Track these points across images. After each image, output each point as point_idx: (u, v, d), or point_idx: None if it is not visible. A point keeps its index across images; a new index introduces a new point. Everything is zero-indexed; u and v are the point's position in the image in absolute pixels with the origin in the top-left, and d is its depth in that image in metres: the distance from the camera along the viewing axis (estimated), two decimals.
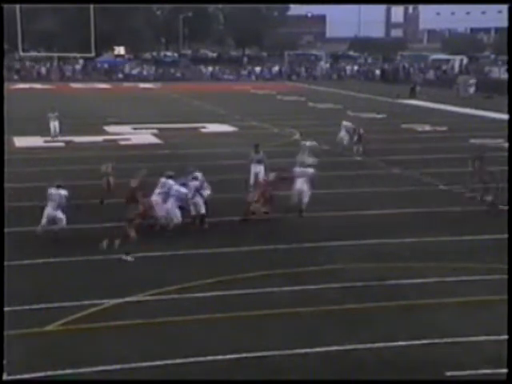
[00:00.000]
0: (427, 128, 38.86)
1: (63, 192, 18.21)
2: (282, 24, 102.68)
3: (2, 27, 16.82)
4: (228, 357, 12.12)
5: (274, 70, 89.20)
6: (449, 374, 11.54)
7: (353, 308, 14.29)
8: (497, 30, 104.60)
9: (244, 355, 12.20)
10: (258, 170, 23.63)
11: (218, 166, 28.11)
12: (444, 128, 38.40)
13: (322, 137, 33.47)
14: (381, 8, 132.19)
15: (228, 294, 14.88)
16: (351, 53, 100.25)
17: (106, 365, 11.72)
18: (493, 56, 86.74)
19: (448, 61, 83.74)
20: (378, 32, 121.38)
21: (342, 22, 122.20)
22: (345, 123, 32.24)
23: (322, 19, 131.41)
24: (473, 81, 62.33)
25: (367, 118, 43.73)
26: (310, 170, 21.53)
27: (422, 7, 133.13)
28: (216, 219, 20.42)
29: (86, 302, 14.09)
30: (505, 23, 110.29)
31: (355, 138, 31.04)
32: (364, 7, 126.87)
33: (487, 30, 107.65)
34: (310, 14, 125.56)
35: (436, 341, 12.74)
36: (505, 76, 65.86)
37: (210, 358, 12.09)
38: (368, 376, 11.61)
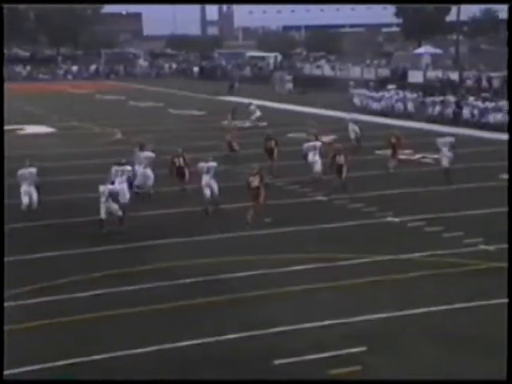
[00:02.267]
0: (248, 124, 39.75)
1: (33, 170, 20.96)
2: (98, 22, 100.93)
3: (2, 27, 15.74)
4: (58, 364, 11.96)
5: (91, 69, 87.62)
6: (277, 362, 12.03)
7: (183, 305, 14.50)
8: (307, 27, 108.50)
9: (72, 361, 12.09)
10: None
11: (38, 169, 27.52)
12: (264, 123, 39.45)
13: (146, 135, 33.41)
14: (196, 6, 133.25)
15: (56, 300, 14.64)
16: (169, 50, 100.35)
17: None
18: (305, 53, 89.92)
19: (263, 58, 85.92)
20: (194, 30, 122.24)
21: (158, 19, 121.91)
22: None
23: (138, 17, 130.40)
24: (289, 77, 64.41)
25: (188, 116, 44.13)
26: (214, 164, 21.94)
27: (236, 5, 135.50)
28: (43, 222, 20.06)
29: None
30: (313, 22, 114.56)
31: None
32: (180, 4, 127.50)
33: (298, 28, 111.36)
34: (125, 12, 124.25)
35: (264, 331, 13.21)
36: (317, 72, 68.53)
37: (37, 366, 11.88)
38: (200, 371, 11.86)
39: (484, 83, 47.32)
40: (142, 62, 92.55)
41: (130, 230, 19.63)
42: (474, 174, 26.56)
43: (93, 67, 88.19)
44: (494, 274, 15.94)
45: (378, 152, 30.40)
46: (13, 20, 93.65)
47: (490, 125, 37.77)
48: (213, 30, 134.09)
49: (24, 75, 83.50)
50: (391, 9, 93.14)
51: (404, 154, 29.68)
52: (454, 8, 72.41)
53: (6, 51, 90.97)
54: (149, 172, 23.34)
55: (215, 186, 21.68)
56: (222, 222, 20.59)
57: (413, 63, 61.47)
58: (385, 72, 60.26)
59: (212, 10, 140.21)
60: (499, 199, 22.11)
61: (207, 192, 21.48)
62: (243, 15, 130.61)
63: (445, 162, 25.57)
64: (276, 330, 13.26)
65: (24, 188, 20.95)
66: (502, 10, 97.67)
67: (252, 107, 41.05)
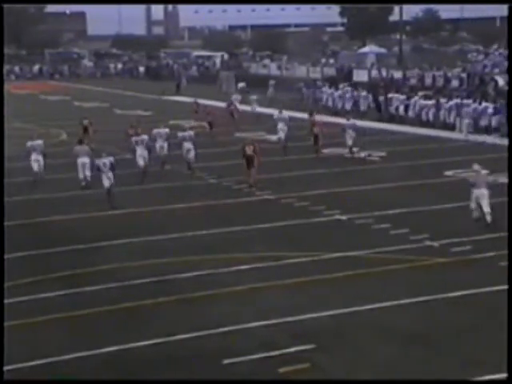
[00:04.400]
0: (193, 123, 39.59)
1: (40, 142, 26.16)
2: (41, 21, 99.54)
3: (2, 27, 15.15)
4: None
5: (34, 70, 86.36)
6: (226, 361, 11.98)
7: (131, 306, 14.37)
8: (252, 27, 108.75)
9: (18, 366, 11.89)
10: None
11: None
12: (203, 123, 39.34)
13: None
14: (140, 6, 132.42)
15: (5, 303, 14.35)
16: (114, 50, 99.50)
17: None
18: (250, 52, 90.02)
19: (210, 57, 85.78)
20: (139, 29, 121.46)
21: (102, 19, 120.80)
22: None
23: (81, 16, 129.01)
24: (231, 74, 64.45)
25: (135, 116, 43.73)
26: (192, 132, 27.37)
27: (180, 5, 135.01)
28: None
29: None
30: (259, 21, 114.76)
31: None
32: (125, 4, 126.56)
33: (244, 28, 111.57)
34: (68, 11, 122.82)
35: (212, 331, 13.16)
36: (263, 71, 68.64)
37: None
38: (150, 372, 11.76)
39: (427, 81, 47.94)
40: (87, 62, 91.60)
41: (78, 231, 19.41)
42: (420, 171, 26.89)
43: (36, 67, 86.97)
44: (439, 269, 16.16)
45: (324, 151, 30.55)
46: None
47: (433, 122, 38.28)
48: (158, 30, 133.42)
49: None
50: (336, 8, 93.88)
51: (350, 152, 29.91)
52: (396, 8, 73.26)
53: None
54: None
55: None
56: (169, 222, 20.50)
57: (358, 62, 62.03)
58: (331, 71, 60.67)
59: (157, 10, 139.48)
60: (445, 196, 22.48)
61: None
62: (189, 15, 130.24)
63: (281, 135, 30.58)
64: (224, 330, 13.21)
65: (34, 156, 25.67)
66: (443, 10, 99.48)
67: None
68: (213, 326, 13.32)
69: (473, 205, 19.00)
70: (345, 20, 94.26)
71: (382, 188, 24.39)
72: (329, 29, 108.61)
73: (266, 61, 74.26)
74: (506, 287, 14.25)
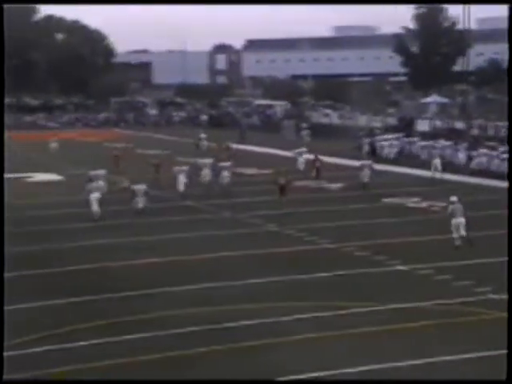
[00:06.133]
0: (255, 171, 39.86)
1: (102, 183, 29.63)
2: (108, 71, 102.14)
3: (2, 27, 15.86)
4: None
5: (100, 118, 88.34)
6: None
7: (183, 354, 14.20)
8: (314, 77, 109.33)
9: None
10: None
11: (41, 216, 27.80)
12: (268, 171, 39.55)
13: (152, 183, 33.54)
14: (203, 56, 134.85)
15: (58, 349, 14.48)
16: (178, 99, 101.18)
17: None
18: (312, 102, 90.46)
19: (271, 106, 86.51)
20: (202, 78, 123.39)
21: (167, 68, 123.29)
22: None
23: (147, 66, 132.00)
24: (304, 125, 64.55)
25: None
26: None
27: (244, 55, 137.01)
28: (30, 272, 20.04)
29: None
30: (321, 71, 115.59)
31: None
32: (189, 54, 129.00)
33: (305, 77, 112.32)
34: (135, 62, 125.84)
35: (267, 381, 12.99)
36: (324, 120, 68.83)
37: None
38: None
39: (490, 132, 47.46)
40: (151, 111, 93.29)
41: (130, 278, 19.56)
42: (483, 222, 26.30)
43: (102, 115, 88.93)
44: (501, 323, 15.71)
45: (385, 200, 30.35)
46: (24, 69, 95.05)
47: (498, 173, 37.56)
48: (221, 79, 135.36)
49: (34, 124, 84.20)
50: (398, 58, 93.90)
51: (412, 202, 29.62)
52: (460, 59, 72.94)
53: (15, 100, 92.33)
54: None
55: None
56: (228, 269, 20.48)
57: (419, 112, 61.75)
58: (392, 121, 60.52)
59: (220, 60, 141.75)
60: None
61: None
62: (251, 64, 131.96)
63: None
64: (281, 380, 13.02)
65: (94, 196, 27.17)
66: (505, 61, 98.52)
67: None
68: (267, 376, 13.15)
69: None
70: (408, 70, 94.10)
71: (443, 239, 23.96)
72: (391, 78, 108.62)
73: (328, 110, 74.52)
74: None
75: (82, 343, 14.81)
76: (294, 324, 15.92)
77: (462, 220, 22.82)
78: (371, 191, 32.89)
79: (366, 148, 48.57)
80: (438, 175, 37.28)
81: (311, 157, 39.80)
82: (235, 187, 34.78)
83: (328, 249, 22.96)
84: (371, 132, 52.36)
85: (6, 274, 19.65)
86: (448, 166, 39.51)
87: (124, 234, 24.99)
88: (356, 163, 37.67)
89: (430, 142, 44.93)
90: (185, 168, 33.12)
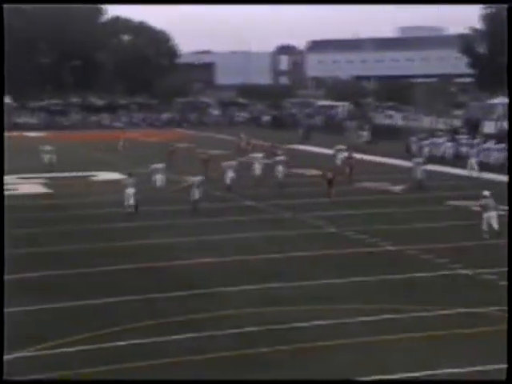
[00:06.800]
0: (314, 172, 39.64)
1: (134, 179, 29.27)
2: (171, 71, 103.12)
3: (3, 27, 16.25)
4: None
5: (164, 118, 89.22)
6: None
7: (247, 353, 14.17)
8: (378, 78, 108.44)
9: None
10: None
11: (105, 214, 28.12)
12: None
13: (211, 183, 33.71)
14: (266, 56, 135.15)
15: (116, 346, 14.56)
16: (240, 100, 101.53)
17: None
18: (374, 103, 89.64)
19: (333, 107, 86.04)
20: (265, 79, 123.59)
21: (230, 69, 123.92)
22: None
23: (210, 66, 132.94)
24: (366, 127, 64.21)
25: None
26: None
27: (307, 55, 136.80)
28: (97, 269, 20.22)
29: None
30: (385, 72, 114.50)
31: None
32: (252, 55, 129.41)
33: (368, 78, 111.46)
34: (198, 62, 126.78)
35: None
36: (388, 122, 68.14)
37: None
38: None
39: None
40: (214, 111, 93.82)
41: (195, 277, 19.60)
42: None
43: (166, 116, 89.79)
44: None
45: (450, 202, 29.82)
46: (90, 70, 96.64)
47: None
48: (284, 80, 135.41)
49: (99, 123, 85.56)
50: (464, 59, 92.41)
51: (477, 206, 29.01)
52: None
53: (80, 100, 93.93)
54: None
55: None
56: (288, 270, 20.36)
57: (485, 113, 60.55)
58: (457, 122, 59.53)
59: (283, 60, 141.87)
60: None
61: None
62: (314, 65, 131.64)
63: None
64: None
65: (129, 191, 28.47)
66: None
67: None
68: (330, 377, 12.99)
69: None
70: (474, 71, 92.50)
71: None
72: (456, 80, 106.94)
73: (391, 111, 73.75)
74: None
75: (147, 340, 14.84)
76: (354, 326, 15.68)
77: (493, 214, 23.79)
78: (432, 193, 32.53)
79: (415, 148, 48.85)
80: (475, 174, 38.48)
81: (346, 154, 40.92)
82: (295, 188, 34.68)
83: (389, 251, 22.63)
84: (432, 134, 51.73)
85: (67, 271, 20.02)
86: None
87: (182, 234, 25.07)
88: (409, 164, 37.77)
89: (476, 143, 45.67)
90: (233, 163, 35.18)
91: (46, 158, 43.64)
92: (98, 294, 17.86)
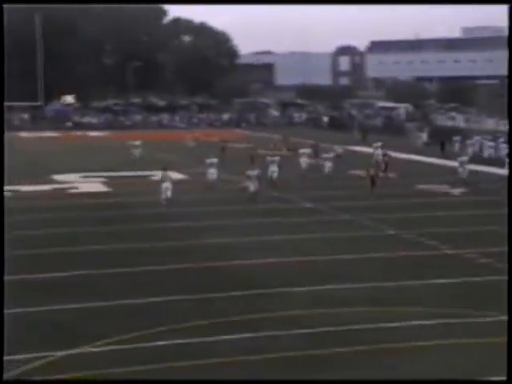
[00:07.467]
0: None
1: (170, 173, 31.18)
2: (231, 72, 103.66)
3: (3, 27, 16.67)
4: None
5: (223, 118, 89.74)
6: None
7: (311, 354, 14.13)
8: (440, 79, 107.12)
9: None
10: None
11: (165, 213, 28.41)
12: (393, 174, 39.10)
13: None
14: (326, 57, 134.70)
15: (178, 344, 14.72)
16: (299, 100, 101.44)
17: None
18: (436, 104, 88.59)
19: (394, 108, 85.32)
20: (325, 80, 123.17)
21: (289, 70, 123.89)
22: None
23: (269, 67, 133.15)
24: (425, 129, 63.62)
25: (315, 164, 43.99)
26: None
27: (367, 56, 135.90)
28: (156, 268, 20.44)
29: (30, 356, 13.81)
30: (447, 72, 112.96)
31: None
32: (312, 55, 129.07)
33: (429, 79, 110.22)
34: (257, 62, 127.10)
35: None
36: (450, 123, 67.31)
37: None
38: None
39: None
40: (273, 112, 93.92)
41: (257, 276, 19.69)
42: None
43: (225, 116, 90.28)
44: None
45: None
46: (152, 70, 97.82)
47: None
48: (343, 81, 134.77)
49: (159, 123, 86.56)
50: None
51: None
52: None
53: (141, 100, 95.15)
54: None
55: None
56: (347, 272, 20.30)
57: None
58: None
59: (344, 61, 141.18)
60: None
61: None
62: (374, 66, 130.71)
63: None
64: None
65: (166, 185, 30.06)
66: None
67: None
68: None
69: None
70: None
71: None
72: None
73: (453, 113, 72.80)
74: None
75: (205, 339, 14.95)
76: (413, 330, 15.56)
77: None
78: (488, 197, 32.13)
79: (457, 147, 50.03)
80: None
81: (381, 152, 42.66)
82: (353, 190, 34.54)
83: (449, 254, 22.36)
84: (495, 136, 51.21)
85: (126, 269, 20.30)
86: None
87: (241, 234, 25.20)
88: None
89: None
90: (276, 158, 36.27)
91: (136, 152, 47.19)
92: (153, 293, 18.08)
